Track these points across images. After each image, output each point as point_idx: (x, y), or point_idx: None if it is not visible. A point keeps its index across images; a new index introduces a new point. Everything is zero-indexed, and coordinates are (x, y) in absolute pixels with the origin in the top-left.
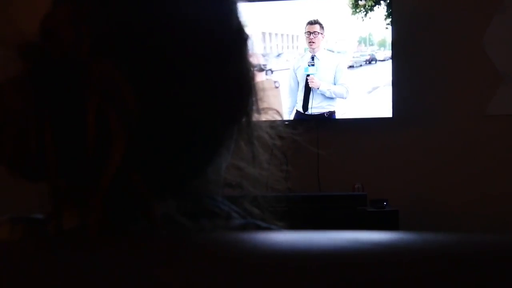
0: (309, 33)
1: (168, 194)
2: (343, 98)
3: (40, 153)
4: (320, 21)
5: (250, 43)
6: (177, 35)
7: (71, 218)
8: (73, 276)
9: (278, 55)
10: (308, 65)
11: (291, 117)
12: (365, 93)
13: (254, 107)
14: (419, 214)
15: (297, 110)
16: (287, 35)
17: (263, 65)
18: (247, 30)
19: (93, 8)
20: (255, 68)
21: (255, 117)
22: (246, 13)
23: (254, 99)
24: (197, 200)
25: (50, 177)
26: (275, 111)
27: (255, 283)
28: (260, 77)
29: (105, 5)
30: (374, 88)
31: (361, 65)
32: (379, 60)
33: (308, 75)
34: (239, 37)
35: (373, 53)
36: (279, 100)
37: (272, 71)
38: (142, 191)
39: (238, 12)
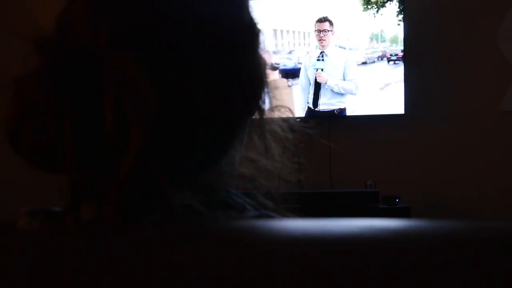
0: (319, 31)
1: (184, 185)
2: (352, 94)
3: (59, 145)
4: (330, 18)
5: (261, 38)
6: (191, 29)
7: (87, 210)
8: (92, 261)
9: (290, 52)
10: (317, 60)
11: (303, 114)
12: (377, 89)
13: (267, 100)
14: (431, 211)
15: (308, 107)
16: (299, 32)
17: (276, 63)
18: (259, 25)
19: (109, 3)
20: (267, 63)
21: (268, 112)
22: (257, 10)
23: (266, 92)
24: (212, 192)
25: (69, 168)
26: (287, 109)
27: (270, 268)
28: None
29: (121, 1)
30: (386, 85)
31: (373, 62)
32: (391, 57)
33: (316, 70)
34: (251, 31)
35: (385, 49)
36: (291, 98)
37: (285, 69)
38: (160, 182)
39: (249, 7)
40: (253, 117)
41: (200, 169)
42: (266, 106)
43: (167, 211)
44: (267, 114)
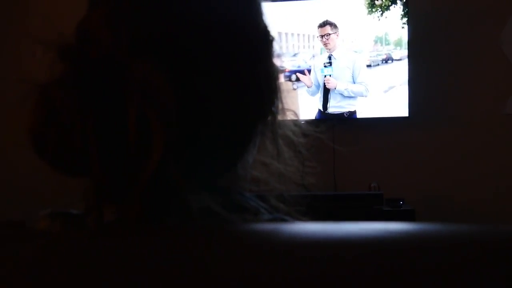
0: (321, 36)
1: (201, 189)
2: (363, 96)
3: (83, 150)
4: (330, 21)
5: (275, 45)
6: (209, 36)
7: (106, 213)
8: (116, 260)
9: (294, 55)
10: (324, 66)
11: (313, 117)
12: (382, 92)
13: (279, 106)
14: (435, 213)
15: (318, 109)
16: (303, 35)
17: (281, 66)
18: (272, 32)
19: (129, 12)
20: (279, 69)
21: (279, 116)
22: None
23: (278, 97)
24: (228, 195)
25: (93, 173)
26: (292, 112)
27: (293, 271)
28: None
29: (141, 8)
30: (391, 87)
31: (378, 65)
32: (395, 60)
33: (325, 76)
34: (266, 38)
35: (390, 52)
36: (297, 102)
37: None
38: (180, 185)
39: (264, 14)
40: (266, 122)
41: (217, 173)
42: (278, 107)
43: (186, 214)
44: (279, 116)
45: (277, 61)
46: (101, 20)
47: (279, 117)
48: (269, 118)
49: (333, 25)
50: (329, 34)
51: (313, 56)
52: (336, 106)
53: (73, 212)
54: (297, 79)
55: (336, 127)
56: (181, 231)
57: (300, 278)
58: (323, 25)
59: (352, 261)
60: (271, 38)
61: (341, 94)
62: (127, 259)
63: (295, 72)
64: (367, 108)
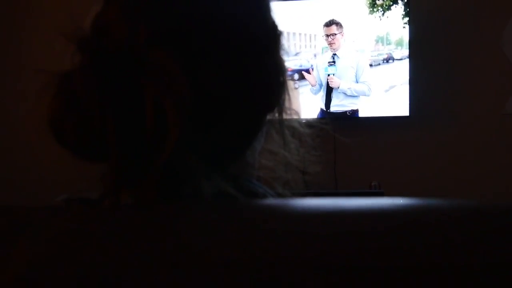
0: (327, 35)
1: (213, 175)
2: (365, 95)
3: (102, 136)
4: (336, 20)
5: (282, 39)
6: (221, 30)
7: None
8: (136, 235)
9: (296, 54)
10: (328, 65)
11: (315, 116)
12: (383, 91)
13: (286, 97)
14: None
15: (321, 109)
16: (305, 34)
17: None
18: (280, 28)
19: (145, 5)
20: (286, 63)
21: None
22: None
23: (285, 90)
24: (237, 181)
25: (111, 158)
26: (294, 111)
27: (308, 242)
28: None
29: (155, 2)
30: (392, 87)
31: (379, 64)
32: (396, 59)
33: (328, 75)
34: (274, 33)
35: (391, 52)
36: (298, 101)
37: (292, 72)
38: (195, 170)
39: (272, 10)
40: (273, 112)
41: (228, 160)
42: (285, 99)
43: (198, 198)
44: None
45: (284, 56)
46: (119, 13)
47: (284, 114)
48: (276, 109)
49: (339, 25)
50: (335, 34)
51: (315, 55)
52: (338, 105)
53: (89, 197)
54: (300, 78)
55: (337, 126)
56: (195, 207)
57: (316, 249)
58: (329, 24)
59: (381, 233)
60: (278, 33)
61: (344, 93)
62: (136, 232)
63: (297, 71)
64: (369, 107)
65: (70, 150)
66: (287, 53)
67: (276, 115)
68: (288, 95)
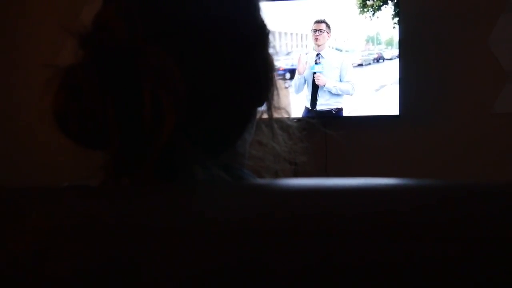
0: (315, 30)
1: (206, 163)
2: (349, 94)
3: (104, 126)
4: (327, 21)
5: (271, 37)
6: (214, 27)
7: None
8: (140, 209)
9: (287, 54)
10: (315, 63)
11: (300, 115)
12: (373, 91)
13: (275, 92)
14: None
15: (305, 107)
16: (296, 34)
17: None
18: (269, 26)
19: (142, 4)
20: (275, 59)
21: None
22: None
23: (274, 85)
24: (229, 169)
25: (112, 146)
26: (284, 110)
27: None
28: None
29: (153, 4)
30: (382, 86)
31: (369, 64)
32: (386, 59)
33: (314, 73)
34: (263, 31)
35: (381, 51)
36: (289, 100)
37: (284, 71)
38: (189, 157)
39: (261, 9)
40: (262, 106)
41: (219, 149)
42: (274, 93)
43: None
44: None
45: (272, 52)
46: (118, 12)
47: (273, 108)
48: (265, 103)
49: (328, 25)
50: (323, 30)
51: (306, 54)
52: (324, 104)
53: (90, 185)
54: (291, 77)
55: (327, 126)
56: (188, 186)
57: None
58: (320, 21)
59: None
60: (267, 31)
61: (329, 92)
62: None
63: (289, 70)
64: (358, 106)
65: (74, 139)
66: (276, 51)
67: (265, 108)
68: (277, 90)
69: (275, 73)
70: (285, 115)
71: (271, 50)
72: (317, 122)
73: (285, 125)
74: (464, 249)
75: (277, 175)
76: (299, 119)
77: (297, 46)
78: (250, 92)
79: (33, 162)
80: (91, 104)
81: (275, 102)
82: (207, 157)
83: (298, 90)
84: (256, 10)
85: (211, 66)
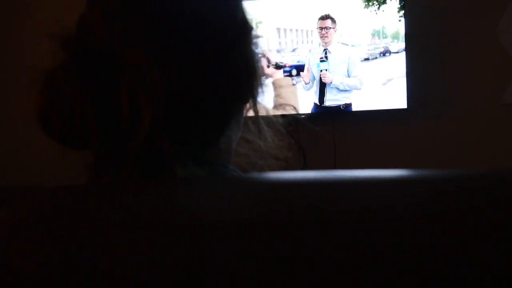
0: (321, 28)
1: (187, 161)
2: (357, 89)
3: (84, 126)
4: (332, 15)
5: (253, 33)
6: (192, 27)
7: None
8: (122, 205)
9: (293, 50)
10: (320, 61)
11: (309, 111)
12: (380, 85)
13: (260, 89)
14: None
15: (314, 103)
16: (301, 30)
17: (280, 62)
18: (251, 23)
19: (122, 7)
20: (260, 55)
21: (273, 111)
22: (260, 9)
23: (259, 81)
24: (212, 166)
25: (92, 145)
26: (292, 107)
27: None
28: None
29: (132, 5)
30: (389, 80)
31: (376, 58)
32: (393, 52)
33: (321, 71)
34: (243, 28)
35: (387, 45)
36: (296, 97)
37: (290, 67)
38: (168, 155)
39: (242, 6)
40: (248, 103)
41: (201, 147)
42: (259, 90)
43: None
44: (271, 111)
45: (256, 48)
46: (99, 15)
47: (277, 112)
48: (251, 100)
49: (333, 20)
50: (329, 28)
51: (310, 51)
52: (332, 100)
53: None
54: (297, 74)
55: (335, 120)
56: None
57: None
58: (324, 17)
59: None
60: (249, 28)
61: (337, 88)
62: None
63: (295, 67)
64: (366, 101)
65: (56, 139)
66: (258, 47)
67: (251, 104)
68: (262, 86)
69: (259, 69)
70: (293, 112)
71: (254, 47)
72: (324, 130)
73: (271, 121)
74: (449, 242)
75: (263, 170)
76: (284, 116)
77: (302, 42)
78: (231, 89)
79: (19, 162)
80: (70, 104)
81: (260, 99)
82: (188, 154)
83: (308, 88)
84: (235, 8)
85: (189, 65)
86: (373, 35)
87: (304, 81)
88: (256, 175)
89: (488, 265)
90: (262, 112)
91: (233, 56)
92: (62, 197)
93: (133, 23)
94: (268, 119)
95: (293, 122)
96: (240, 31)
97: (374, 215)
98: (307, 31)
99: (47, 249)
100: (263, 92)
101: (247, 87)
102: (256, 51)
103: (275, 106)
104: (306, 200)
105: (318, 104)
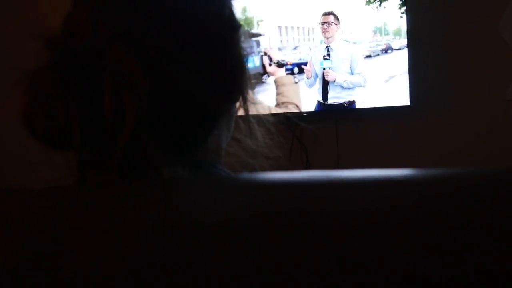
0: (323, 23)
1: (174, 161)
2: (361, 86)
3: (67, 127)
4: (335, 12)
5: (241, 31)
6: (176, 26)
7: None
8: (107, 206)
9: (295, 48)
10: (323, 59)
11: (313, 109)
12: (382, 82)
13: (249, 87)
14: None
15: (318, 101)
16: (303, 28)
17: (282, 60)
18: (238, 19)
19: (106, 8)
20: (248, 53)
21: (275, 109)
22: (261, 7)
23: (247, 80)
24: (200, 166)
25: (76, 146)
26: (294, 105)
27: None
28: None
29: (116, 4)
30: (391, 77)
31: (378, 55)
32: (395, 49)
33: (324, 69)
34: (230, 26)
35: (389, 42)
36: (298, 95)
37: (292, 65)
38: (152, 156)
39: (230, 4)
40: (237, 102)
41: (188, 147)
42: (248, 88)
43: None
44: (251, 97)
45: (246, 47)
46: (83, 15)
47: (279, 110)
48: (240, 99)
49: (336, 17)
50: (331, 22)
51: (310, 49)
52: (335, 97)
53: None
54: (299, 72)
55: (338, 118)
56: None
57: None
58: (327, 13)
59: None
60: (236, 26)
61: (341, 86)
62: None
63: (297, 65)
64: (369, 98)
65: (40, 140)
66: (247, 45)
67: (241, 104)
68: (251, 85)
69: (247, 68)
70: (296, 110)
71: (243, 45)
72: (328, 129)
73: (262, 120)
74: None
75: (254, 170)
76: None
77: (304, 40)
78: (218, 88)
79: (4, 163)
80: (54, 105)
81: (250, 97)
82: (175, 154)
83: (311, 85)
84: (223, 5)
85: (175, 63)
86: (375, 32)
87: (307, 76)
88: (243, 175)
89: (488, 265)
90: (264, 111)
91: (220, 54)
92: (46, 199)
93: (117, 22)
94: (259, 118)
95: (294, 121)
96: (227, 29)
97: (362, 216)
98: (308, 29)
99: (26, 250)
100: (253, 91)
101: (235, 86)
102: (246, 49)
103: (278, 105)
104: (290, 202)
105: (322, 102)
